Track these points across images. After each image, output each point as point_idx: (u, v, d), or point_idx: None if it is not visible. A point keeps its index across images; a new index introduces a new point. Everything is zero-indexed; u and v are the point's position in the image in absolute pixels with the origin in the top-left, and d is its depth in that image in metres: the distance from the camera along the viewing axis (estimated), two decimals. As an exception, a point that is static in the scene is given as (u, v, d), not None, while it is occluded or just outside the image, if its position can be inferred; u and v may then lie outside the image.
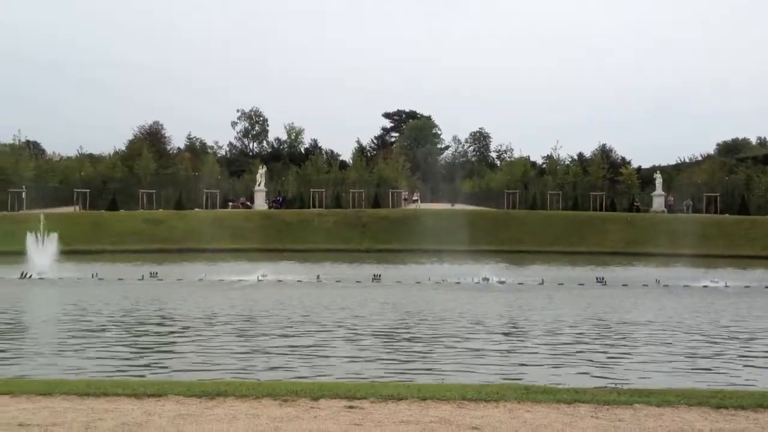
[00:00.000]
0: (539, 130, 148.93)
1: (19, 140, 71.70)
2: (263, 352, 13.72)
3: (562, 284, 28.42)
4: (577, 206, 66.98)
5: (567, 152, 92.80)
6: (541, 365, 12.68)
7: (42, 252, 31.85)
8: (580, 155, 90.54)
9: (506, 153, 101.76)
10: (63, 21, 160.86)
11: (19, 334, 16.03)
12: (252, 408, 7.62)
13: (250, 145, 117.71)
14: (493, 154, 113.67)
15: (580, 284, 28.54)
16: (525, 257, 44.58)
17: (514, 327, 17.42)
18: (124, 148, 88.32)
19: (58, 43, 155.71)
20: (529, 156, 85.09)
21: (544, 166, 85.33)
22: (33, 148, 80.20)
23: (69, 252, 35.59)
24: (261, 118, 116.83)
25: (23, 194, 46.82)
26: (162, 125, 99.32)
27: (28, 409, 7.53)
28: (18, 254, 33.13)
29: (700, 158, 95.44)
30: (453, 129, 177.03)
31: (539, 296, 24.28)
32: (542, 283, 28.42)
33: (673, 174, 79.96)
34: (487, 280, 29.25)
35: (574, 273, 34.81)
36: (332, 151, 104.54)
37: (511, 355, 13.67)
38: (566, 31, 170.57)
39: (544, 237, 52.90)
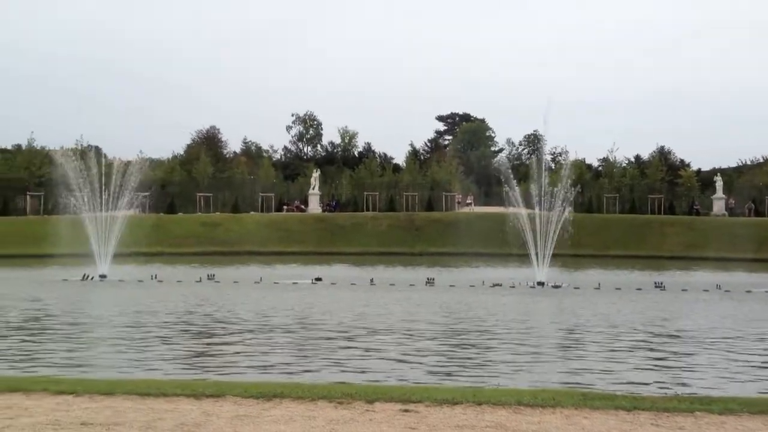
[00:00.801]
0: (595, 132, 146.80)
1: (82, 145, 73.88)
2: (319, 354, 13.81)
3: (619, 289, 27.95)
4: (634, 209, 65.83)
5: (624, 154, 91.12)
6: (598, 371, 12.48)
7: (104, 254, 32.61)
8: (638, 157, 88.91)
9: (561, 156, 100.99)
10: (120, 26, 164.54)
11: (82, 334, 16.45)
12: (308, 410, 7.68)
13: (305, 149, 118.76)
14: (548, 157, 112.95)
15: (637, 289, 28.03)
16: (581, 261, 44.04)
17: (570, 332, 17.19)
18: (182, 153, 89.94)
19: (117, 48, 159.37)
20: (584, 158, 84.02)
21: (600, 168, 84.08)
22: (95, 152, 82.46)
23: (129, 254, 36.38)
24: (315, 122, 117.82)
25: (85, 197, 48.08)
26: (219, 130, 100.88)
27: (91, 408, 7.71)
28: (81, 256, 33.98)
29: (761, 160, 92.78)
30: (507, 131, 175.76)
31: (596, 300, 23.93)
32: (599, 288, 28.01)
33: (734, 176, 77.88)
34: (543, 284, 28.95)
35: (632, 277, 34.23)
36: (385, 155, 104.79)
37: (566, 361, 13.49)
38: (621, 31, 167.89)
39: (600, 241, 52.20)
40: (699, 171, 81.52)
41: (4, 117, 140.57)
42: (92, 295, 25.10)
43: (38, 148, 73.91)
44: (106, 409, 7.64)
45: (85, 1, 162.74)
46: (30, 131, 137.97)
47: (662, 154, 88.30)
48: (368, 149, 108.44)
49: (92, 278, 29.98)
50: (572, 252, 47.62)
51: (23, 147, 77.98)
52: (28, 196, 62.41)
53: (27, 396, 8.24)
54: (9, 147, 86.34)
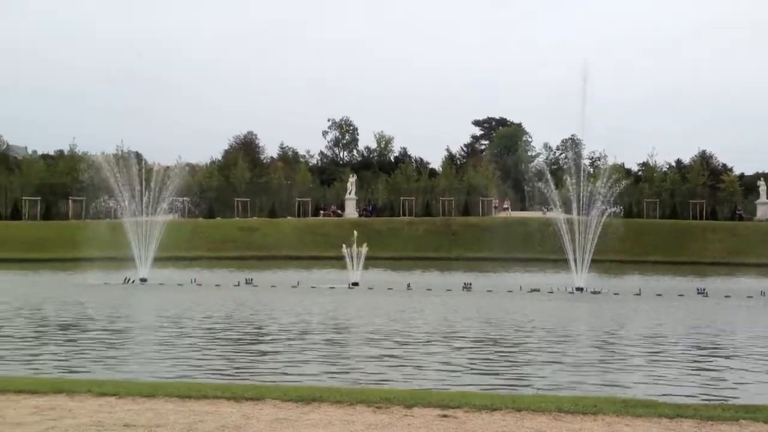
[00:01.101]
0: (634, 136, 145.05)
1: (122, 150, 75.12)
2: (357, 358, 13.83)
3: (660, 295, 27.56)
4: (675, 215, 64.91)
5: (664, 159, 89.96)
6: (640, 378, 12.30)
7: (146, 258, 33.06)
8: (678, 162, 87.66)
9: (600, 160, 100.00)
10: (158, 36, 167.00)
11: (124, 337, 16.67)
12: (347, 414, 7.69)
13: (341, 154, 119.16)
14: (586, 162, 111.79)
15: (679, 295, 27.62)
16: (620, 267, 43.52)
17: (610, 337, 16.99)
18: (220, 158, 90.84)
19: (155, 55, 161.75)
20: (623, 163, 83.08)
21: (640, 173, 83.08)
22: (135, 157, 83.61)
23: (169, 258, 36.83)
24: (351, 127, 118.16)
25: (126, 202, 48.90)
26: (256, 135, 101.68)
27: (133, 410, 7.81)
28: (122, 260, 34.48)
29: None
30: (544, 136, 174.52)
31: (636, 307, 23.62)
32: (639, 294, 27.64)
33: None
34: (582, 289, 28.67)
35: (673, 283, 33.74)
36: (422, 159, 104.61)
37: (607, 368, 13.32)
38: (660, 32, 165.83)
39: (640, 246, 51.54)
40: (742, 175, 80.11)
41: (47, 124, 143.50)
42: (133, 299, 25.44)
43: (80, 153, 75.34)
44: (148, 411, 7.73)
45: (127, 17, 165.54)
46: (72, 137, 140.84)
47: (704, 159, 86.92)
48: (404, 154, 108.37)
49: (133, 282, 30.40)
50: (611, 258, 47.11)
51: (65, 153, 79.52)
52: (70, 201, 63.52)
53: (70, 397, 8.37)
54: (52, 153, 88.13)
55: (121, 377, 11.33)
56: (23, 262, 43.28)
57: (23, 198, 65.29)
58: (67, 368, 12.60)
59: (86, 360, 13.56)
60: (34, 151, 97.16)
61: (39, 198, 65.31)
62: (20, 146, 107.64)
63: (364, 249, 31.90)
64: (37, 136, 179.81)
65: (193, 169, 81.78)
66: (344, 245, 32.17)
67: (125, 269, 32.62)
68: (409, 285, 29.83)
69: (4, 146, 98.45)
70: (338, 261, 35.86)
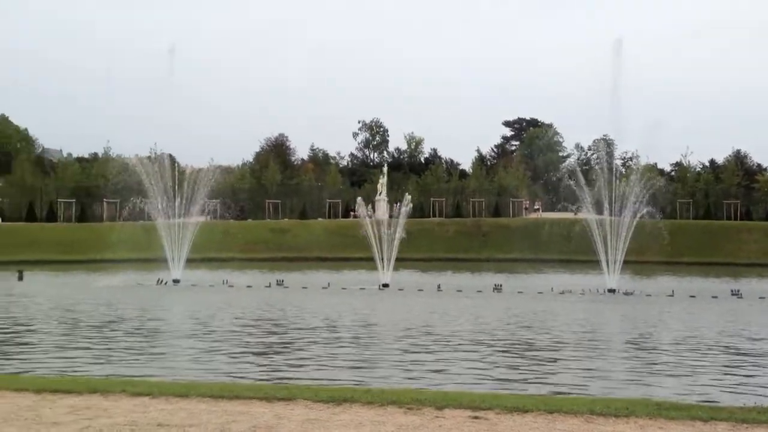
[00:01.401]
0: (667, 136, 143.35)
1: (156, 153, 76.06)
2: (388, 360, 13.85)
3: (693, 296, 27.22)
4: (709, 215, 64.04)
5: (698, 159, 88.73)
6: (673, 380, 12.17)
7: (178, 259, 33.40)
8: (712, 162, 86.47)
9: (632, 160, 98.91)
10: (194, 38, 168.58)
11: (157, 337, 16.87)
12: (377, 415, 7.70)
13: (371, 155, 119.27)
14: (618, 162, 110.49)
15: (713, 297, 27.25)
16: (653, 268, 43.04)
17: (642, 339, 16.83)
18: (251, 160, 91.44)
19: (186, 61, 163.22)
20: (656, 163, 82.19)
21: (673, 173, 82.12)
22: (168, 160, 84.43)
23: (201, 260, 37.16)
24: (381, 129, 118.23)
25: (159, 204, 49.48)
26: (287, 137, 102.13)
27: (167, 410, 7.90)
28: (155, 261, 34.86)
29: None
30: (575, 136, 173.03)
31: (669, 308, 23.35)
32: (672, 295, 27.33)
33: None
34: (614, 291, 28.42)
35: (707, 285, 33.30)
36: (452, 161, 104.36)
37: (638, 369, 13.20)
38: (696, 26, 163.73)
39: (673, 247, 50.89)
40: (778, 175, 78.79)
41: (81, 127, 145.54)
42: (166, 300, 25.71)
43: (114, 156, 76.38)
44: (181, 411, 7.82)
45: (160, 20, 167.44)
46: (106, 140, 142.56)
47: (738, 158, 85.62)
48: (435, 155, 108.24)
49: (166, 283, 30.73)
50: (644, 259, 46.59)
51: (99, 156, 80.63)
52: (104, 203, 64.39)
53: (105, 397, 8.48)
54: (86, 156, 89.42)
55: (154, 377, 11.47)
56: (58, 263, 43.96)
57: (59, 200, 66.35)
58: (102, 368, 12.78)
59: (120, 360, 13.75)
60: (69, 154, 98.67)
61: (74, 200, 66.30)
62: (55, 149, 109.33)
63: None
64: (72, 140, 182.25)
65: (225, 171, 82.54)
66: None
67: (158, 270, 32.98)
68: (439, 286, 29.79)
69: (40, 149, 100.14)
70: (369, 262, 35.93)
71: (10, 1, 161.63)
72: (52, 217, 64.32)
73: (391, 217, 64.85)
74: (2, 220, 59.23)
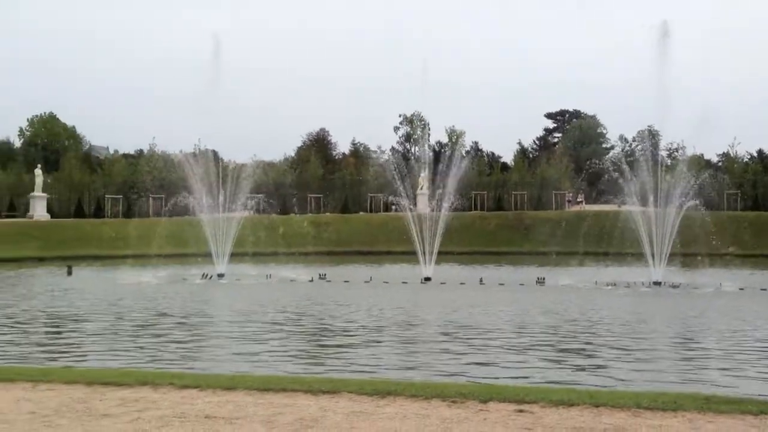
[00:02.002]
0: (713, 126, 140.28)
1: (200, 149, 76.95)
2: (432, 353, 13.87)
3: (742, 289, 26.71)
4: (758, 206, 62.68)
5: (745, 149, 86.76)
6: (721, 375, 11.97)
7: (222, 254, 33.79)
8: (760, 152, 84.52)
9: (677, 151, 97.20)
10: (235, 32, 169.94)
11: (203, 331, 17.12)
12: (422, 408, 7.72)
13: (412, 149, 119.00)
14: (663, 153, 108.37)
15: (762, 289, 26.71)
16: (699, 260, 42.22)
17: (689, 333, 16.57)
18: (293, 155, 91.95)
19: (230, 56, 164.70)
20: (702, 154, 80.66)
21: (720, 164, 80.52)
22: (212, 156, 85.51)
23: (244, 254, 37.54)
24: (422, 122, 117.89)
25: (203, 200, 50.08)
26: (328, 132, 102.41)
27: (214, 402, 8.02)
28: (200, 256, 35.30)
29: None
30: (619, 127, 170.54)
31: (716, 302, 22.95)
32: (720, 287, 26.84)
33: None
34: (659, 283, 28.02)
35: (755, 278, 32.62)
36: (493, 154, 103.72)
37: (686, 363, 13.01)
38: (743, 12, 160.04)
39: (720, 239, 49.89)
40: (830, 164, 76.77)
41: (128, 125, 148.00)
42: (211, 294, 26.04)
43: (159, 152, 77.48)
44: (228, 404, 7.93)
45: (205, 13, 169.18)
46: (152, 137, 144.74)
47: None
48: (476, 148, 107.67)
49: (211, 277, 31.10)
50: (690, 251, 45.78)
51: (145, 152, 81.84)
52: (150, 199, 65.37)
53: (154, 390, 8.64)
54: (132, 152, 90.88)
55: (202, 370, 11.65)
56: (106, 258, 44.79)
57: (106, 196, 67.51)
58: (151, 362, 13.02)
59: (169, 353, 13.98)
60: (116, 151, 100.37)
61: (121, 196, 67.44)
62: (102, 146, 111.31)
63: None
64: (119, 137, 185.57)
65: (267, 166, 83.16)
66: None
67: (203, 265, 33.41)
68: (481, 280, 29.69)
69: (87, 147, 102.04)
70: (410, 256, 35.96)
71: (55, 3, 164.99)
72: (99, 213, 65.51)
73: (432, 210, 64.89)
74: (51, 216, 60.45)
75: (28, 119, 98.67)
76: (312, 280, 30.23)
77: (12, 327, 17.59)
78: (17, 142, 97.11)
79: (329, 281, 29.97)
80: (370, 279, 30.40)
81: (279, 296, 24.22)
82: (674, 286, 27.68)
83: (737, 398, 8.41)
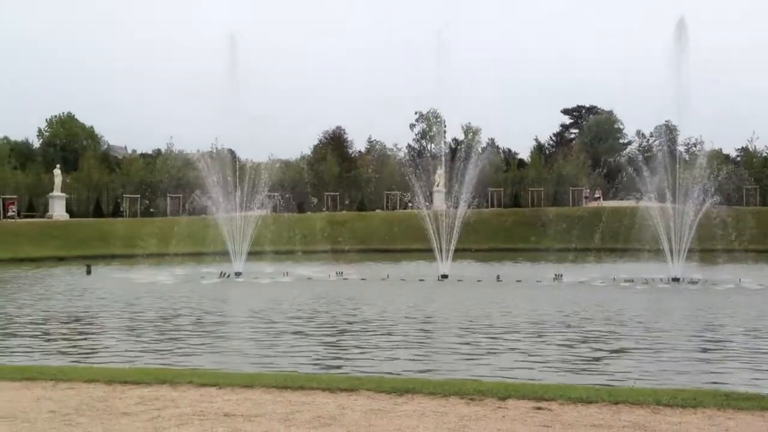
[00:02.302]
0: (733, 121, 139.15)
1: (217, 148, 77.28)
2: (448, 350, 13.85)
3: (762, 285, 26.48)
4: (777, 201, 62.14)
5: (765, 143, 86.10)
6: (741, 372, 11.88)
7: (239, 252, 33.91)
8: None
9: (695, 146, 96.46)
10: (249, 31, 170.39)
11: (220, 329, 17.20)
12: (440, 406, 7.72)
13: (428, 146, 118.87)
14: (681, 148, 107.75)
15: (782, 285, 26.48)
16: (718, 256, 41.89)
17: (709, 329, 16.46)
18: (309, 153, 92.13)
19: (248, 57, 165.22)
20: (721, 149, 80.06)
21: (739, 158, 79.87)
22: (229, 155, 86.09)
23: (262, 252, 37.68)
24: (438, 119, 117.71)
25: (220, 198, 50.25)
26: (344, 130, 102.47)
27: (232, 400, 8.06)
28: (217, 255, 35.46)
29: None
30: (637, 123, 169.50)
31: (736, 298, 22.77)
32: (740, 283, 26.63)
33: None
34: (678, 280, 27.84)
35: (776, 273, 32.30)
36: (509, 150, 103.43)
37: (705, 360, 12.93)
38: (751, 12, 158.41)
39: (739, 234, 49.47)
40: None
41: (145, 124, 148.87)
42: (229, 292, 26.14)
43: (176, 152, 77.92)
44: (247, 401, 7.97)
45: (220, 12, 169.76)
46: (169, 136, 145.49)
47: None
48: (492, 145, 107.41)
49: (228, 276, 31.23)
50: (709, 246, 45.45)
51: (163, 152, 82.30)
52: (168, 198, 65.72)
53: (173, 388, 8.69)
54: (150, 152, 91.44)
55: (220, 368, 11.71)
56: (124, 257, 45.08)
57: (124, 196, 67.96)
58: (169, 360, 13.10)
59: (187, 351, 14.07)
60: (134, 151, 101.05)
61: (138, 196, 67.84)
62: (120, 146, 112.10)
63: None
64: (136, 136, 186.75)
65: (284, 165, 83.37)
66: None
67: (221, 264, 33.55)
68: (498, 276, 29.62)
69: (105, 147, 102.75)
70: (427, 253, 35.96)
71: (74, 3, 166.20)
72: (117, 212, 65.97)
73: (448, 207, 64.79)
74: (70, 216, 60.88)
75: (46, 119, 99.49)
76: (329, 278, 30.30)
77: (32, 326, 17.76)
78: (36, 143, 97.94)
79: (346, 279, 30.02)
80: (387, 276, 30.43)
81: (296, 294, 24.28)
82: (693, 282, 27.49)
83: (757, 395, 8.35)
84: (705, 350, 13.95)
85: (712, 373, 11.78)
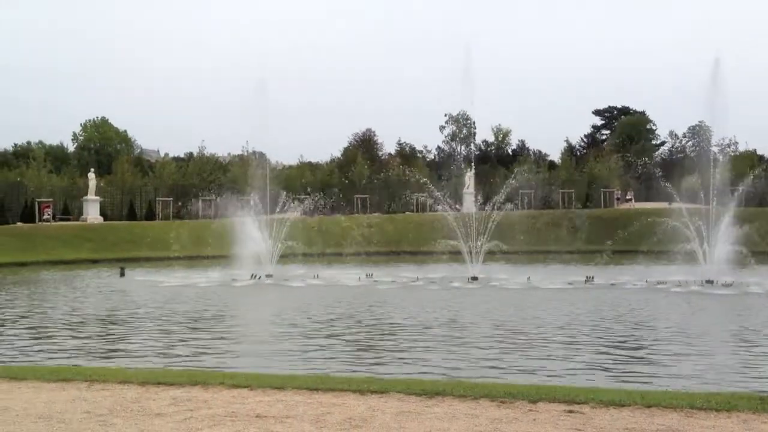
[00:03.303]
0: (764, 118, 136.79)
1: (248, 151, 77.88)
2: (478, 353, 13.82)
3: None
4: (813, 202, 60.99)
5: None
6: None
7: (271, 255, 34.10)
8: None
9: (729, 147, 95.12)
10: (280, 34, 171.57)
11: (253, 331, 17.32)
12: (471, 408, 7.71)
13: (458, 148, 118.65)
14: (715, 149, 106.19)
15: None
16: (754, 258, 41.22)
17: (741, 331, 16.21)
18: (340, 156, 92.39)
19: (278, 62, 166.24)
20: (755, 149, 78.88)
21: (774, 159, 78.72)
22: (259, 157, 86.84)
23: (293, 255, 37.85)
24: (468, 121, 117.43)
25: (251, 202, 50.64)
26: (374, 132, 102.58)
27: (264, 401, 8.12)
28: (249, 257, 35.68)
29: None
30: (670, 123, 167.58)
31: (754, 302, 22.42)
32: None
33: None
34: (711, 282, 27.47)
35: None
36: (540, 152, 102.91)
37: (739, 364, 12.74)
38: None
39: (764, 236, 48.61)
40: None
41: (178, 128, 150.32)
42: (261, 294, 26.30)
43: (208, 155, 78.61)
44: (278, 403, 8.02)
45: (238, 16, 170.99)
46: (201, 140, 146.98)
47: None
48: (522, 146, 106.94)
49: (260, 278, 31.43)
50: (744, 248, 44.67)
51: (195, 155, 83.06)
52: (200, 201, 66.27)
53: (205, 389, 8.78)
54: (182, 155, 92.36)
55: (252, 370, 11.79)
56: (158, 260, 45.57)
57: (157, 199, 68.66)
58: (203, 361, 13.22)
59: (219, 353, 14.19)
60: (166, 154, 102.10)
61: (171, 199, 68.50)
62: (153, 150, 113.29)
63: None
64: (169, 140, 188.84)
65: (314, 167, 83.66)
66: None
67: (252, 266, 33.77)
68: (529, 278, 29.45)
69: (138, 150, 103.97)
70: (457, 256, 35.85)
71: (104, 6, 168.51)
72: (151, 215, 66.66)
73: (478, 209, 64.58)
74: (104, 219, 61.66)
75: (81, 124, 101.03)
76: (359, 280, 30.35)
77: (68, 327, 18.03)
78: (71, 147, 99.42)
79: (376, 281, 30.05)
80: (417, 279, 30.40)
81: (326, 297, 24.37)
82: (727, 285, 27.10)
83: (794, 399, 8.21)
84: (739, 353, 13.75)
85: (747, 376, 11.61)
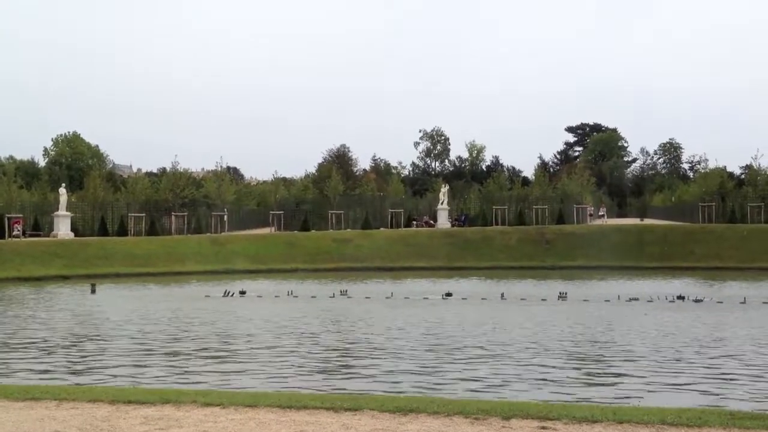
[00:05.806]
0: (737, 138, 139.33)
1: (221, 166, 77.57)
2: (453, 370, 13.82)
3: (767, 303, 26.39)
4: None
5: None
6: (745, 391, 11.83)
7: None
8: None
9: (700, 164, 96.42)
10: (253, 50, 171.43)
11: (224, 348, 17.18)
12: (444, 425, 7.70)
13: (433, 164, 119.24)
14: (685, 166, 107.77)
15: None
16: (724, 274, 41.80)
17: (713, 348, 16.38)
18: (314, 171, 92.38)
19: (253, 78, 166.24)
20: (725, 166, 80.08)
21: (743, 176, 79.81)
22: (233, 173, 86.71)
23: (266, 271, 37.69)
24: (442, 137, 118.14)
25: (225, 217, 50.42)
26: (348, 148, 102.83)
27: (236, 419, 8.05)
28: (222, 273, 35.48)
29: None
30: (640, 141, 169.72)
31: (742, 316, 22.69)
32: (744, 302, 26.54)
33: None
34: (683, 298, 27.77)
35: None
36: (514, 168, 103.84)
37: (710, 379, 12.87)
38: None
39: (744, 252, 49.32)
40: None
41: (151, 143, 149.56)
42: (233, 311, 26.11)
43: (181, 170, 78.23)
44: (251, 421, 7.96)
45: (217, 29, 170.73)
46: (174, 155, 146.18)
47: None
48: (496, 163, 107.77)
49: (233, 294, 31.25)
50: (713, 264, 45.33)
51: (168, 170, 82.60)
52: (173, 217, 65.80)
53: (177, 407, 8.68)
54: (155, 170, 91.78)
55: (224, 388, 11.69)
56: (129, 276, 45.12)
57: (129, 214, 68.02)
58: (174, 379, 13.08)
59: (191, 370, 14.05)
60: (139, 169, 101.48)
61: (144, 214, 67.90)
62: (125, 165, 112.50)
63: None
64: (141, 155, 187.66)
65: (288, 183, 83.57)
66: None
67: (225, 282, 33.57)
68: (503, 295, 29.55)
69: (111, 165, 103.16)
70: (431, 271, 35.99)
71: (76, 20, 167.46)
72: (123, 231, 65.99)
73: (452, 225, 64.81)
74: (75, 235, 60.90)
75: (52, 139, 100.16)
76: (333, 296, 30.27)
77: (36, 346, 17.76)
78: (42, 162, 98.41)
79: (350, 297, 29.98)
80: (392, 295, 30.38)
81: (300, 312, 24.26)
82: (698, 300, 27.41)
83: (763, 414, 8.32)
84: (710, 368, 13.89)
85: (717, 392, 11.73)
